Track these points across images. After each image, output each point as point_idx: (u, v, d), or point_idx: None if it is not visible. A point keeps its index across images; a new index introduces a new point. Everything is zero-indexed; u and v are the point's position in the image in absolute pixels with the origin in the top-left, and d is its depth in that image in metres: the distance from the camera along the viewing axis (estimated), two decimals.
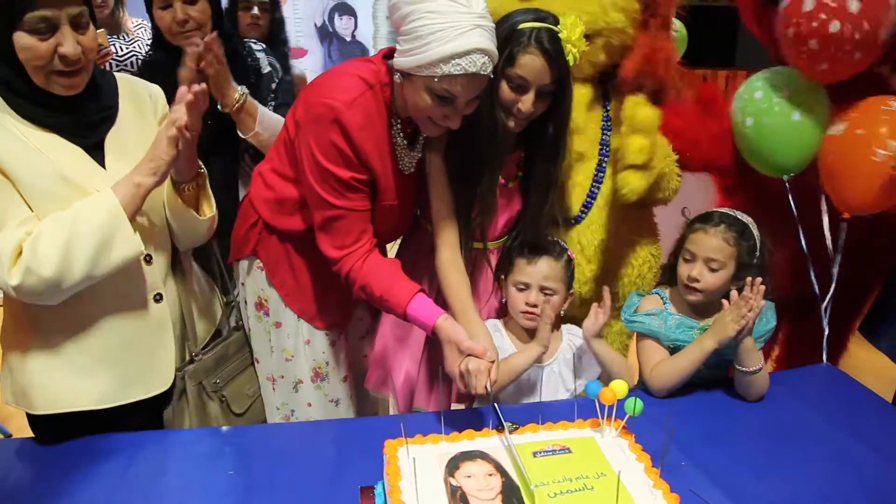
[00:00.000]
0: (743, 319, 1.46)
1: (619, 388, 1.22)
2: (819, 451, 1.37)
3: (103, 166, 1.33)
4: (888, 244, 1.91)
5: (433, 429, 1.26)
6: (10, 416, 2.78)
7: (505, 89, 1.46)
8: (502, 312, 1.80)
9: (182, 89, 1.32)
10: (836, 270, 1.79)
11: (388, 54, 1.45)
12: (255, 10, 2.44)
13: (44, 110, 1.24)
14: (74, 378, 1.35)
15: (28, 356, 1.33)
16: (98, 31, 1.32)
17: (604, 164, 1.85)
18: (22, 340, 1.34)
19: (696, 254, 1.55)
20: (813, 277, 1.80)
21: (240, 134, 1.84)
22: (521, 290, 1.59)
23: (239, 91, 1.79)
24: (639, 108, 1.72)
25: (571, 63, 1.45)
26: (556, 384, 1.62)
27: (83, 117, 1.31)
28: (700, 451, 1.34)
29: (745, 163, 1.89)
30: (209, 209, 1.52)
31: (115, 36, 2.49)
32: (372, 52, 3.09)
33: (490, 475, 1.10)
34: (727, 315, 1.48)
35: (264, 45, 2.06)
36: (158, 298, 1.43)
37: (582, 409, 1.32)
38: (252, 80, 1.94)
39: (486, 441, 1.21)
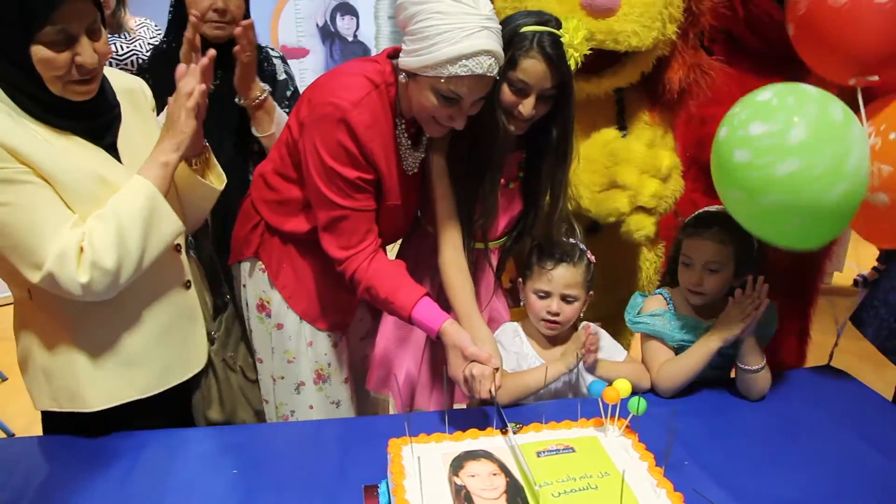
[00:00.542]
0: (748, 317, 1.46)
1: (622, 387, 1.22)
2: (822, 451, 1.37)
3: (123, 165, 1.35)
4: None
5: (437, 428, 1.26)
6: (13, 416, 2.78)
7: (506, 92, 1.46)
8: (505, 312, 1.80)
9: (181, 66, 1.34)
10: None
11: (393, 54, 1.45)
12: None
13: (64, 116, 1.25)
14: (122, 371, 1.37)
15: (73, 357, 1.33)
16: None
17: None
18: (64, 342, 1.33)
19: (693, 259, 1.56)
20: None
21: (254, 132, 1.82)
22: (541, 297, 1.57)
23: (262, 87, 1.78)
24: (661, 154, 1.73)
25: (573, 67, 1.44)
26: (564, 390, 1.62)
27: (98, 121, 1.31)
28: (703, 451, 1.34)
29: None
30: (219, 181, 1.53)
31: (115, 35, 2.48)
32: (374, 53, 3.09)
33: (494, 475, 1.11)
34: (732, 313, 1.49)
35: (281, 53, 2.04)
36: (189, 285, 1.47)
37: (585, 408, 1.32)
38: (267, 85, 1.89)
39: (490, 440, 1.21)
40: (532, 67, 1.42)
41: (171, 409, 1.50)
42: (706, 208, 1.62)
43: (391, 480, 1.12)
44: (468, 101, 1.35)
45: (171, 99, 1.34)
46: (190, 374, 1.50)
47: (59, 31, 1.15)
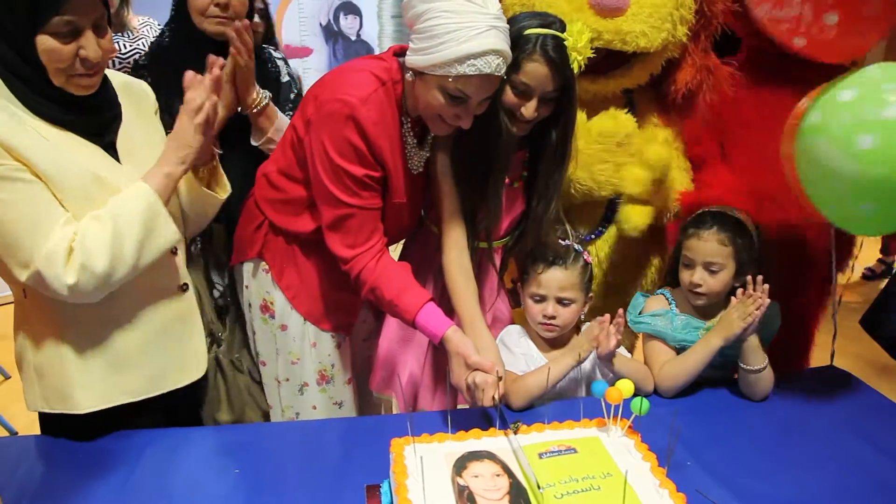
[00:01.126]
0: (750, 317, 1.46)
1: (625, 387, 1.22)
2: (825, 451, 1.37)
3: (121, 165, 1.34)
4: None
5: (439, 428, 1.26)
6: (16, 415, 2.79)
7: (508, 94, 1.45)
8: (508, 312, 1.80)
9: (188, 74, 1.32)
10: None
11: (399, 51, 1.44)
12: (256, 18, 2.39)
13: (61, 109, 1.25)
14: (113, 374, 1.36)
15: (64, 357, 1.33)
16: None
17: None
18: (55, 342, 1.33)
19: (694, 260, 1.55)
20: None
21: (252, 141, 1.75)
22: (537, 301, 1.57)
23: (261, 94, 1.70)
24: (650, 146, 1.72)
25: (576, 71, 1.43)
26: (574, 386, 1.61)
27: (98, 117, 1.31)
28: (706, 451, 1.34)
29: None
30: (223, 190, 1.53)
31: (118, 34, 2.48)
32: (377, 52, 3.09)
33: (498, 475, 1.10)
34: (733, 312, 1.48)
35: (283, 55, 1.99)
36: (185, 287, 1.46)
37: (588, 408, 1.32)
38: (270, 88, 1.82)
39: (493, 441, 1.21)
40: (535, 71, 1.42)
41: (171, 414, 1.49)
42: (706, 208, 1.62)
43: (393, 480, 1.12)
44: (475, 101, 1.35)
45: (182, 108, 1.33)
46: (187, 381, 1.47)
47: (66, 22, 1.16)
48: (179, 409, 1.51)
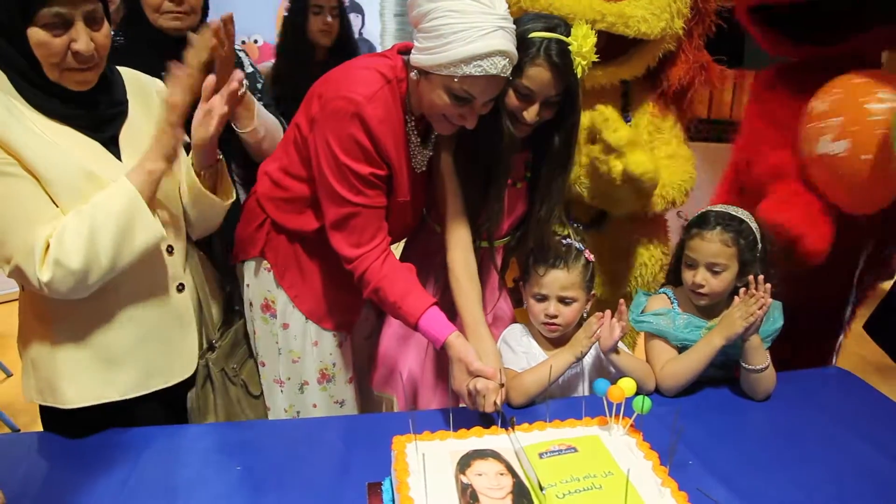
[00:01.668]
0: (752, 317, 1.46)
1: (627, 386, 1.22)
2: (827, 452, 1.36)
3: (120, 161, 1.34)
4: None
5: (441, 426, 1.26)
6: (20, 413, 2.79)
7: (511, 96, 1.44)
8: (510, 311, 1.80)
9: (174, 66, 1.32)
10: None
11: (403, 49, 1.44)
12: (328, 17, 2.38)
13: (59, 102, 1.25)
14: (102, 370, 1.36)
15: (54, 351, 1.34)
16: None
17: None
18: (47, 336, 1.34)
19: (697, 260, 1.55)
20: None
21: (236, 128, 1.74)
22: (539, 300, 1.57)
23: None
24: (633, 153, 1.68)
25: (580, 75, 1.41)
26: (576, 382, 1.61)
27: (97, 112, 1.31)
28: (708, 450, 1.34)
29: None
30: (227, 195, 1.53)
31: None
32: (379, 50, 3.09)
33: (501, 475, 1.10)
34: (735, 312, 1.48)
35: (242, 47, 1.94)
36: (181, 288, 1.45)
37: (590, 406, 1.32)
38: None
39: (495, 439, 1.21)
40: (538, 75, 1.40)
41: (165, 414, 1.48)
42: (709, 208, 1.61)
43: (395, 477, 1.12)
44: (480, 101, 1.34)
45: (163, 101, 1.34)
46: (175, 381, 1.46)
47: (55, 14, 1.16)
48: (167, 411, 1.50)
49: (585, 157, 1.75)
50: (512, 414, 1.27)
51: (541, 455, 1.16)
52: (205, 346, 1.55)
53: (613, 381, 1.24)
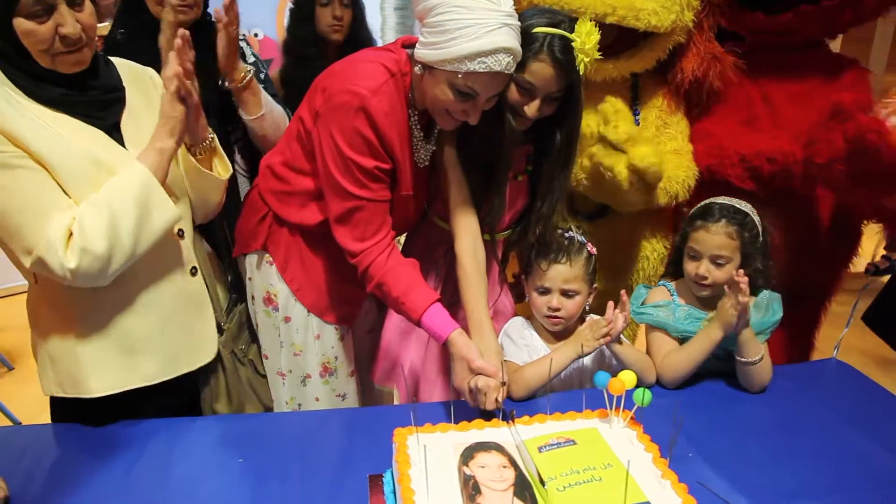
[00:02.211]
0: (739, 304, 1.46)
1: (627, 378, 1.22)
2: (827, 445, 1.37)
3: (125, 149, 1.34)
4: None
5: (442, 418, 1.27)
6: (20, 406, 2.79)
7: (513, 90, 1.43)
8: (511, 305, 1.80)
9: (167, 52, 1.33)
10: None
11: (407, 43, 1.44)
12: (338, 9, 2.18)
13: (52, 86, 1.25)
14: (125, 358, 1.37)
15: (76, 342, 1.34)
16: (101, 24, 1.32)
17: None
18: (66, 327, 1.34)
19: (701, 252, 1.55)
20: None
21: (242, 116, 1.77)
22: (541, 293, 1.57)
23: (245, 67, 1.72)
24: (637, 147, 1.67)
25: (583, 72, 1.40)
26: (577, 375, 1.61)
27: (93, 96, 1.32)
28: (708, 442, 1.34)
29: None
30: (225, 170, 1.53)
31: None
32: (380, 44, 3.09)
33: (504, 467, 1.10)
34: (727, 302, 1.48)
35: (244, 35, 1.93)
36: (195, 272, 1.46)
37: (590, 399, 1.32)
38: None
39: (496, 431, 1.21)
40: (540, 71, 1.39)
41: (179, 398, 1.50)
42: (712, 199, 1.61)
43: (396, 469, 1.12)
44: (483, 97, 1.34)
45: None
46: (198, 364, 1.49)
47: (35, 1, 1.16)
48: (182, 395, 1.52)
49: (587, 159, 1.74)
50: (512, 407, 1.27)
51: (540, 449, 1.17)
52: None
53: (614, 374, 1.24)
